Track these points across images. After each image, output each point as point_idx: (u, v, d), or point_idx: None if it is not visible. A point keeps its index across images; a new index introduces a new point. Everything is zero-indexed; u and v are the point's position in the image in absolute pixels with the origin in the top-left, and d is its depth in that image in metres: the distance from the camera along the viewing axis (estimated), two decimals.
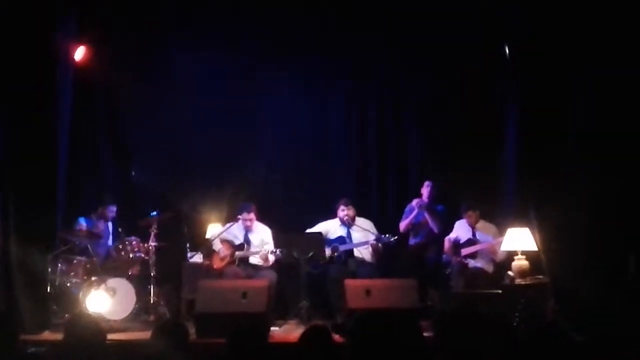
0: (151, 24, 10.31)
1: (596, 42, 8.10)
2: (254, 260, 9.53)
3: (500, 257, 9.17)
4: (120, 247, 9.43)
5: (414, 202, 9.92)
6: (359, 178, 11.15)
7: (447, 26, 9.87)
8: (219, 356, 4.69)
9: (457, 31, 9.84)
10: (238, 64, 10.65)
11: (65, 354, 4.81)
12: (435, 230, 9.83)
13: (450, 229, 9.75)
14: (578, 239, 8.03)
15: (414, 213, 9.92)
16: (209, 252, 9.70)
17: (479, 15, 9.45)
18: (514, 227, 8.65)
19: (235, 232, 9.69)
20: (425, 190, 9.95)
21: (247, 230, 9.66)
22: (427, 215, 9.85)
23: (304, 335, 4.49)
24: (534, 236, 8.44)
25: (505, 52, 9.09)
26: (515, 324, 7.66)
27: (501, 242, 8.87)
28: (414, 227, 10.00)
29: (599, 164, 8.07)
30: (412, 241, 10.05)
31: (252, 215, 9.60)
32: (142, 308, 9.16)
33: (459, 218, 9.73)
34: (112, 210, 9.86)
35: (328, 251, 9.52)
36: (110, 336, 5.55)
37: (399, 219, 10.08)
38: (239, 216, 9.63)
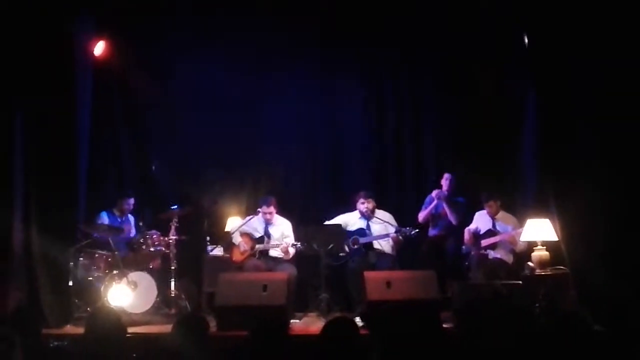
0: (169, 17, 10.33)
1: (616, 30, 8.05)
2: (274, 253, 9.54)
3: (520, 247, 9.14)
4: (142, 240, 9.47)
5: (434, 193, 9.92)
6: (377, 170, 11.16)
7: (465, 17, 9.84)
8: (240, 348, 4.70)
9: (475, 22, 9.81)
10: (257, 57, 10.67)
11: (87, 347, 4.84)
12: (454, 221, 9.82)
13: (470, 220, 9.73)
14: (599, 229, 7.99)
15: (434, 204, 9.92)
16: (229, 245, 9.73)
17: (498, 4, 9.41)
18: (534, 217, 8.63)
19: (255, 225, 9.72)
20: (444, 183, 9.96)
21: (267, 223, 9.68)
22: (445, 207, 9.85)
23: (328, 327, 4.49)
24: (554, 227, 8.42)
25: (524, 41, 9.04)
26: (536, 314, 7.63)
27: (521, 233, 8.85)
28: (433, 217, 10.01)
29: (620, 153, 8.03)
30: (431, 232, 10.06)
31: (271, 209, 9.62)
32: (163, 301, 9.20)
33: (479, 209, 9.71)
34: (130, 202, 9.87)
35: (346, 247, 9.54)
36: (131, 329, 5.59)
37: (417, 211, 10.10)
38: (259, 209, 9.65)
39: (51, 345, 6.16)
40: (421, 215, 10.01)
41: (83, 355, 4.73)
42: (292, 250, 9.41)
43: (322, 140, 11.22)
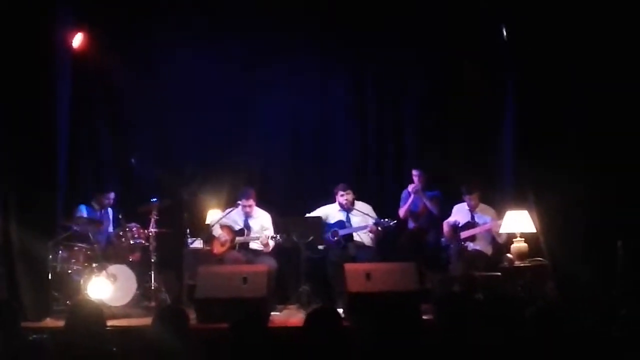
0: (149, 9, 10.29)
1: (596, 27, 8.10)
2: (254, 245, 9.56)
3: (502, 238, 9.17)
4: (121, 233, 9.45)
5: (409, 187, 9.93)
6: (358, 163, 11.16)
7: (446, 11, 9.87)
8: (221, 341, 4.71)
9: (456, 15, 9.84)
10: (237, 50, 10.64)
11: (67, 340, 4.82)
12: (435, 212, 9.85)
13: (449, 213, 9.76)
14: (577, 221, 8.05)
15: (411, 199, 9.93)
16: (209, 237, 9.73)
17: (479, 2, 9.46)
18: (513, 209, 8.68)
19: (235, 217, 9.72)
20: (415, 179, 9.94)
21: (247, 215, 9.68)
22: (424, 200, 9.87)
23: (311, 317, 4.49)
24: (533, 218, 8.47)
25: (503, 34, 9.07)
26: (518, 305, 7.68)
27: (500, 224, 8.90)
28: (413, 214, 10.02)
29: (598, 147, 8.08)
30: (410, 225, 10.07)
31: (251, 201, 9.62)
32: (143, 294, 9.20)
33: (458, 202, 9.74)
34: (110, 197, 9.86)
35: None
36: (111, 322, 5.59)
37: (398, 203, 10.12)
38: (239, 202, 9.65)
39: (30, 338, 6.13)
40: (401, 212, 10.00)
41: (63, 348, 4.71)
42: (271, 243, 9.42)
43: (304, 132, 11.21)
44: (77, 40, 9.68)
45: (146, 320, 7.85)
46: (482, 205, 9.60)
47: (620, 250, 7.65)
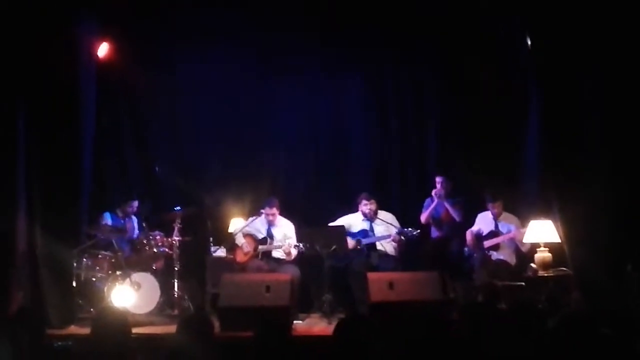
0: (172, 20, 10.35)
1: (622, 33, 8.04)
2: (277, 254, 9.57)
3: (526, 247, 9.12)
4: (145, 241, 9.49)
5: (433, 192, 9.92)
6: (380, 171, 11.15)
7: (468, 16, 9.84)
8: (244, 349, 4.72)
9: (479, 21, 9.82)
10: (258, 59, 10.67)
11: (92, 347, 4.84)
12: (457, 218, 9.83)
13: (472, 221, 9.73)
14: (601, 231, 7.99)
15: (434, 204, 9.92)
16: (232, 246, 9.75)
17: (501, 3, 9.42)
18: (537, 219, 8.64)
19: (258, 226, 9.74)
20: (438, 186, 9.93)
21: (270, 224, 9.70)
22: (446, 205, 9.85)
23: (340, 327, 4.47)
24: (557, 228, 8.42)
25: (527, 43, 9.04)
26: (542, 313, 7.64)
27: (524, 233, 8.86)
28: (436, 221, 10.01)
29: (624, 154, 8.03)
30: (434, 234, 10.05)
31: (274, 210, 9.64)
32: (166, 302, 9.23)
33: (481, 210, 9.71)
34: (134, 205, 9.90)
35: (351, 242, 9.56)
36: (134, 330, 5.59)
37: (419, 211, 10.09)
38: (262, 210, 9.67)
39: (55, 345, 6.16)
40: (423, 217, 10.01)
41: (88, 356, 4.73)
42: (294, 252, 9.42)
43: (326, 141, 11.24)
44: (102, 49, 9.75)
45: (170, 328, 7.92)
46: (505, 214, 9.56)
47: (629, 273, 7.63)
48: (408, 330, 4.24)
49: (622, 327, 5.18)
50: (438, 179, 9.93)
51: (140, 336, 7.32)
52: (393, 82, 11.18)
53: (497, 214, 9.51)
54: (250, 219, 9.78)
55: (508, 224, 9.49)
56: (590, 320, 4.68)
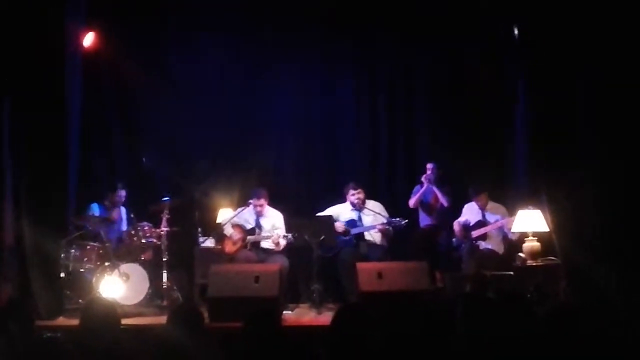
0: (159, 8, 10.32)
1: (609, 24, 8.06)
2: (266, 244, 9.56)
3: (515, 235, 9.15)
4: (133, 232, 9.46)
5: (422, 177, 9.94)
6: (369, 161, 11.16)
7: (456, 9, 9.87)
8: (234, 340, 4.71)
9: (469, 14, 9.84)
10: (247, 49, 10.68)
11: (81, 339, 4.83)
12: (445, 204, 9.89)
13: (459, 211, 9.76)
14: (590, 220, 8.02)
15: (423, 189, 9.97)
16: (220, 236, 9.73)
17: (492, 3, 9.46)
18: (525, 208, 8.67)
19: (247, 216, 9.74)
20: (428, 172, 9.97)
21: (259, 215, 9.69)
22: (435, 190, 9.89)
23: (339, 316, 4.46)
24: (545, 217, 8.45)
25: (514, 33, 9.06)
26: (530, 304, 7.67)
27: (512, 221, 8.89)
28: (424, 206, 10.05)
29: (612, 144, 8.05)
30: (423, 222, 10.08)
31: (262, 201, 9.63)
32: (155, 293, 9.19)
33: (468, 201, 9.74)
34: (121, 195, 9.85)
35: (340, 225, 9.55)
36: (123, 321, 5.58)
37: (408, 202, 10.11)
38: (250, 201, 9.66)
39: (44, 336, 6.13)
40: (411, 201, 10.05)
41: (77, 347, 4.71)
42: (282, 242, 9.42)
43: (315, 131, 11.22)
44: (89, 39, 9.72)
45: (159, 319, 7.94)
46: (492, 204, 9.61)
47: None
48: (398, 320, 4.24)
49: (607, 317, 5.22)
50: (429, 165, 9.98)
51: (130, 327, 7.29)
52: (384, 73, 11.17)
53: (482, 205, 9.54)
54: (239, 209, 9.76)
55: (495, 214, 9.52)
56: (578, 310, 4.70)
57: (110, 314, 4.85)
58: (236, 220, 9.67)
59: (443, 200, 9.88)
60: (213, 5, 10.26)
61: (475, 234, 9.44)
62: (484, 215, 9.56)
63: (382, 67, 11.16)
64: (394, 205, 10.16)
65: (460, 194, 9.95)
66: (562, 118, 8.41)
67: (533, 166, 8.99)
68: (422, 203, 10.07)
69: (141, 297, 8.92)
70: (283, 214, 9.74)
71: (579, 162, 8.14)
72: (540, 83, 8.65)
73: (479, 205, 9.59)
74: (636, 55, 7.97)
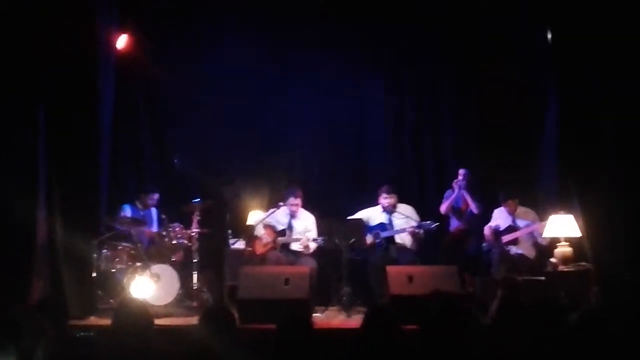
0: (190, 11, 10.38)
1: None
2: (296, 246, 9.58)
3: (546, 240, 9.09)
4: (164, 233, 9.52)
5: (454, 183, 9.92)
6: (398, 165, 11.15)
7: (488, 10, 9.84)
8: (266, 342, 4.73)
9: (498, 15, 9.81)
10: (281, 49, 10.73)
11: (115, 338, 4.86)
12: (475, 211, 9.85)
13: (489, 217, 9.72)
14: (622, 225, 7.94)
15: (455, 194, 9.95)
16: (250, 238, 9.74)
17: (522, 4, 9.42)
18: (557, 213, 8.61)
19: (279, 217, 9.77)
20: (460, 177, 9.95)
21: (292, 216, 9.72)
22: (466, 195, 9.87)
23: (368, 319, 4.46)
24: (578, 222, 8.39)
25: (548, 36, 9.00)
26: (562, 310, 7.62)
27: (543, 226, 8.84)
28: (455, 211, 10.04)
29: None
30: (452, 225, 10.05)
31: (298, 200, 9.67)
32: (186, 294, 9.24)
33: (498, 206, 9.69)
34: (154, 197, 9.92)
35: (369, 238, 9.56)
36: (156, 322, 5.61)
37: (438, 204, 10.11)
38: (285, 201, 9.69)
39: (78, 335, 6.20)
40: (443, 207, 10.05)
41: (110, 346, 4.75)
42: (312, 245, 9.44)
43: (344, 134, 11.24)
44: (121, 41, 9.79)
45: (189, 320, 7.97)
46: (522, 209, 9.57)
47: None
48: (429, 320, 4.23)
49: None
50: (461, 171, 9.96)
51: (162, 327, 7.33)
52: (412, 76, 11.18)
53: (512, 210, 9.52)
54: (271, 210, 9.78)
55: (524, 219, 9.48)
56: (610, 316, 4.67)
57: (143, 314, 4.88)
58: (268, 220, 9.68)
59: (473, 206, 9.86)
60: (242, 5, 10.29)
61: (505, 238, 9.39)
62: (514, 220, 9.52)
63: (410, 70, 11.15)
64: (423, 209, 10.14)
65: (490, 199, 9.90)
66: (593, 122, 8.33)
67: (564, 171, 8.91)
68: (453, 208, 10.06)
69: (171, 298, 8.96)
70: (315, 217, 9.75)
71: (611, 167, 8.07)
72: (571, 87, 8.57)
73: (508, 212, 9.54)
74: None
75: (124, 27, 9.77)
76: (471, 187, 9.92)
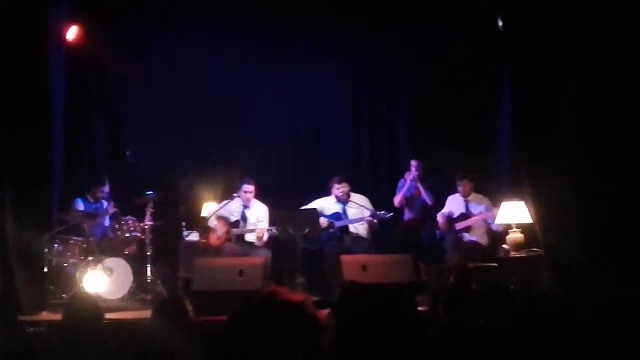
0: (143, 1, 10.30)
1: (594, 16, 8.08)
2: (250, 237, 9.56)
3: (497, 226, 9.18)
4: (117, 226, 9.43)
5: (406, 175, 9.96)
6: (352, 155, 11.18)
7: (440, 3, 9.89)
8: (219, 334, 4.70)
9: (451, 6, 9.85)
10: (233, 44, 10.69)
11: (64, 333, 4.81)
12: (429, 201, 9.91)
13: (443, 203, 9.78)
14: (573, 212, 8.05)
15: (407, 185, 9.97)
16: (205, 230, 9.71)
17: None
18: (509, 200, 8.69)
19: (232, 208, 9.75)
20: (412, 169, 9.98)
21: (245, 205, 9.71)
22: (420, 186, 9.91)
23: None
24: (529, 209, 8.48)
25: (499, 26, 9.07)
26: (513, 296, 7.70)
27: (495, 213, 8.92)
28: (408, 200, 10.08)
29: (594, 137, 8.09)
30: (406, 216, 10.12)
31: (251, 187, 9.67)
32: (139, 287, 9.17)
33: (451, 192, 9.76)
34: (105, 190, 9.81)
35: (323, 220, 9.56)
36: (107, 315, 5.57)
37: (391, 195, 10.15)
38: (239, 189, 9.68)
39: (27, 331, 6.13)
40: (396, 199, 10.07)
41: (60, 341, 4.70)
42: (266, 236, 9.43)
43: (299, 125, 11.26)
44: (72, 32, 9.66)
45: (143, 313, 7.92)
46: (475, 195, 9.65)
47: None
48: (378, 312, 4.23)
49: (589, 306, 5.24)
50: (413, 162, 9.98)
51: (113, 321, 7.27)
52: (367, 66, 11.18)
53: (464, 192, 9.60)
54: (224, 202, 9.76)
55: (479, 205, 9.56)
56: (560, 301, 4.72)
57: (93, 308, 4.83)
58: (221, 212, 9.66)
59: (427, 198, 9.91)
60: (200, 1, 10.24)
61: (459, 225, 9.47)
62: (467, 207, 9.59)
63: (364, 57, 11.13)
64: (377, 198, 10.17)
65: (443, 187, 9.96)
66: (546, 109, 8.43)
67: (516, 158, 9.01)
68: (406, 199, 10.09)
69: (125, 291, 8.90)
70: (268, 207, 9.75)
71: (562, 155, 8.17)
72: (525, 74, 8.66)
73: (462, 196, 9.62)
74: (621, 49, 7.99)
75: (75, 18, 9.63)
76: (423, 177, 9.95)
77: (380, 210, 9.52)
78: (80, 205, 9.55)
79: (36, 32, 8.57)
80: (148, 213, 9.43)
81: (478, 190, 9.68)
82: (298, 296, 3.89)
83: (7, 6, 8.35)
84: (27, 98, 8.52)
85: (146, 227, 9.42)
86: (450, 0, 9.89)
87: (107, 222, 9.73)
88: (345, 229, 9.67)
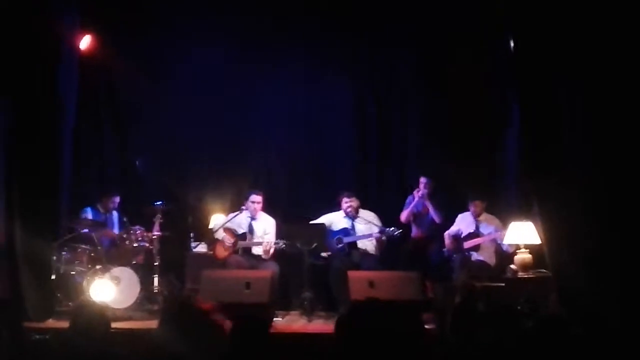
0: (154, 13, 10.34)
1: (604, 36, 8.07)
2: (257, 250, 9.56)
3: (508, 247, 9.15)
4: (125, 236, 9.46)
5: (415, 192, 9.95)
6: (361, 170, 11.17)
7: (452, 17, 9.90)
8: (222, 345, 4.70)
9: (463, 23, 9.87)
10: (240, 55, 10.68)
11: (71, 341, 4.82)
12: (437, 220, 9.87)
13: (451, 221, 9.77)
14: (581, 233, 8.01)
15: (415, 202, 9.95)
16: (212, 242, 9.72)
17: (484, 6, 9.46)
18: (517, 220, 8.68)
19: (239, 221, 9.72)
20: (421, 186, 9.96)
21: (252, 217, 9.69)
22: (428, 204, 9.89)
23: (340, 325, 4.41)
24: (537, 230, 8.46)
25: (510, 45, 9.07)
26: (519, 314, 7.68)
27: (505, 235, 8.91)
28: (415, 217, 10.07)
29: (604, 156, 8.05)
30: (414, 232, 10.09)
31: (259, 198, 9.65)
32: (146, 297, 9.20)
33: (461, 211, 9.74)
34: (115, 200, 9.87)
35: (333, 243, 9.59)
36: (114, 325, 5.58)
37: (399, 211, 10.12)
38: (246, 200, 9.67)
39: (34, 338, 6.13)
40: (403, 215, 10.04)
41: (66, 349, 4.71)
42: (272, 249, 9.42)
43: (308, 140, 11.24)
44: (84, 42, 9.72)
45: (149, 323, 7.92)
46: (486, 215, 9.61)
47: None
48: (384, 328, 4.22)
49: (596, 328, 5.22)
50: (422, 180, 9.94)
51: (120, 331, 7.29)
52: (376, 81, 11.19)
53: (476, 212, 9.56)
54: (232, 214, 9.76)
55: (489, 226, 9.53)
56: (566, 322, 4.71)
57: (100, 317, 4.85)
58: (228, 224, 9.66)
59: (435, 216, 9.88)
60: (208, 10, 10.26)
61: (467, 244, 9.45)
62: (477, 227, 9.56)
63: (374, 73, 11.17)
64: (384, 214, 10.13)
65: (451, 204, 9.95)
66: (554, 130, 8.39)
67: (525, 177, 8.98)
68: (414, 215, 10.07)
69: (132, 300, 8.90)
70: (275, 220, 9.75)
71: (572, 174, 8.14)
72: (533, 94, 8.64)
73: (473, 215, 9.59)
74: (627, 64, 7.97)
75: (87, 28, 9.69)
76: (433, 195, 9.95)
77: (389, 227, 9.49)
78: (89, 214, 9.58)
79: (47, 41, 8.61)
80: (156, 223, 9.46)
81: (488, 210, 9.65)
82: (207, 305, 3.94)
83: (21, 16, 8.39)
84: (37, 106, 8.56)
85: (154, 237, 9.46)
86: (463, 19, 9.86)
87: (115, 232, 9.74)
88: (353, 244, 9.64)
